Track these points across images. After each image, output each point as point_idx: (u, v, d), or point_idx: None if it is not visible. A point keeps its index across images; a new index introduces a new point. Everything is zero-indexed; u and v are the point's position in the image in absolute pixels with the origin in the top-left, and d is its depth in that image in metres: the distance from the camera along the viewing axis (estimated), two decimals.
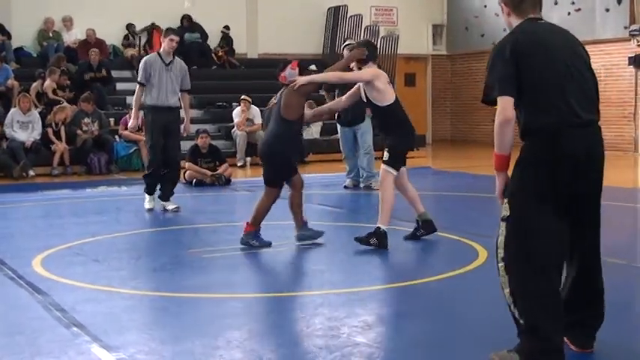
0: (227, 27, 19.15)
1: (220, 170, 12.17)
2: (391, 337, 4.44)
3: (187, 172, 12.07)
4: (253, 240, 7.05)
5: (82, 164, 14.23)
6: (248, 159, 15.55)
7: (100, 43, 17.41)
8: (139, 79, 9.20)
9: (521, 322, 3.80)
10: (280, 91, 7.18)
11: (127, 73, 18.03)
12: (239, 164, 15.26)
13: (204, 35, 18.83)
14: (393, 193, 7.05)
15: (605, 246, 7.06)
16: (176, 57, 9.40)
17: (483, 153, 18.09)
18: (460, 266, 6.17)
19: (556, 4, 18.46)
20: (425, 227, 7.30)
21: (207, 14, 18.67)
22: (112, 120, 15.47)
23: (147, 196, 9.55)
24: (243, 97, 15.81)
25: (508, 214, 3.86)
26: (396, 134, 7.11)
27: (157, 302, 5.34)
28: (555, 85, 3.73)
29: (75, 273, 6.09)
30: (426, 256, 6.92)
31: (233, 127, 15.92)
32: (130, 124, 9.04)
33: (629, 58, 17.09)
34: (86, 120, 14.49)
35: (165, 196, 9.44)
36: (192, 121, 16.23)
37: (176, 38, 9.33)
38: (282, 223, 8.44)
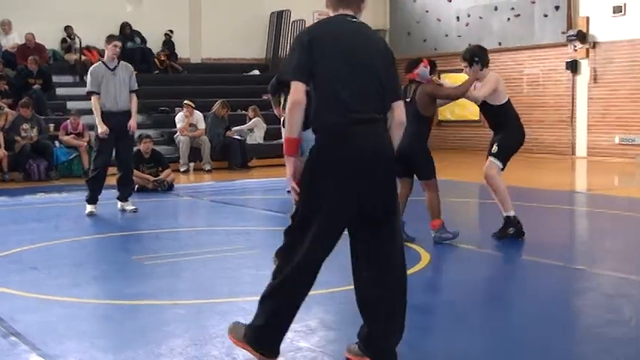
0: (171, 31, 19.01)
1: (163, 175, 12.07)
2: (334, 341, 4.44)
3: None
4: (445, 234, 7.31)
5: (20, 171, 13.96)
6: (191, 164, 15.46)
7: (39, 48, 17.13)
8: (89, 89, 9.40)
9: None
10: (405, 86, 7.28)
11: (68, 78, 17.81)
12: (182, 170, 15.16)
13: (145, 40, 18.69)
14: (502, 181, 7.40)
15: (543, 248, 7.23)
16: (121, 61, 9.60)
17: None
18: None
19: (496, 9, 18.77)
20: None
21: (149, 18, 18.52)
22: (52, 125, 15.23)
23: (87, 205, 9.63)
24: (186, 101, 15.71)
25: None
26: (508, 131, 7.41)
27: (98, 310, 5.26)
28: (339, 82, 3.74)
29: (12, 281, 5.96)
30: None
31: (176, 132, 15.80)
32: (99, 131, 9.33)
33: (567, 62, 17.46)
34: (25, 125, 14.23)
35: (124, 197, 9.78)
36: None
37: (119, 44, 9.63)
38: (228, 228, 8.40)
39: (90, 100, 9.44)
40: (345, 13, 3.94)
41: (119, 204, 9.80)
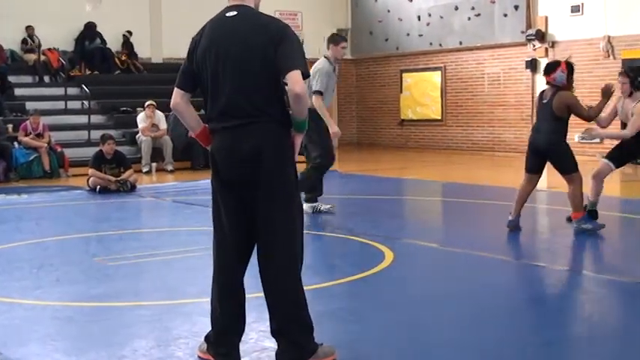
0: (129, 32, 18.86)
1: (125, 176, 11.95)
2: None
3: (91, 179, 11.82)
4: (586, 224, 7.67)
5: None
6: (153, 165, 15.34)
7: None
8: (319, 88, 8.91)
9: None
10: (543, 91, 7.83)
11: (27, 79, 17.56)
12: (144, 170, 15.04)
13: (105, 41, 18.53)
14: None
15: (502, 245, 7.31)
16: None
17: (389, 156, 18.37)
18: (366, 269, 6.24)
19: (457, 9, 18.90)
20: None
21: (109, 18, 18.33)
22: (10, 126, 15.03)
23: (316, 202, 9.17)
24: (149, 102, 15.58)
25: None
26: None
27: (60, 312, 5.20)
28: (208, 90, 3.88)
29: None
30: (333, 259, 6.97)
31: (137, 132, 15.68)
32: (332, 131, 8.89)
33: (526, 61, 17.64)
34: None
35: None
36: (96, 127, 16.00)
37: (346, 45, 9.48)
38: (191, 229, 8.37)
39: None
40: (231, 4, 3.90)
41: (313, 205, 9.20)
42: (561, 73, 7.61)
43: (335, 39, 9.39)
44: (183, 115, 4.02)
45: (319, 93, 8.88)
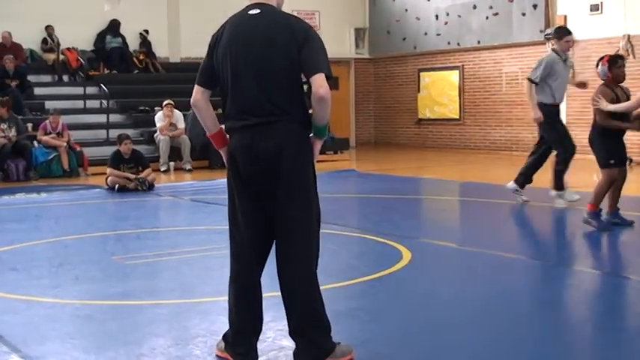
0: (146, 31, 18.93)
1: (143, 175, 11.99)
2: None
3: (109, 178, 11.88)
4: (594, 220, 7.66)
5: None
6: (171, 164, 15.39)
7: (16, 48, 16.99)
8: (534, 77, 9.36)
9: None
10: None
11: (46, 78, 17.67)
12: (162, 169, 15.09)
13: (127, 44, 18.63)
14: None
15: (523, 245, 7.27)
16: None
17: (406, 155, 18.33)
18: (384, 268, 6.24)
19: (475, 8, 18.82)
20: None
21: (127, 17, 18.41)
22: (29, 125, 15.13)
23: (558, 194, 9.42)
24: (167, 101, 15.63)
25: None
26: None
27: (79, 311, 5.23)
28: (228, 87, 3.85)
29: None
30: (350, 259, 6.97)
31: (155, 131, 15.73)
32: (535, 116, 9.43)
33: None
34: (2, 125, 14.10)
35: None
36: (114, 126, 16.08)
37: (570, 39, 9.62)
38: (209, 228, 8.39)
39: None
40: (254, 2, 3.88)
41: (562, 195, 9.44)
42: (602, 67, 7.79)
43: (559, 34, 9.67)
44: (202, 113, 3.97)
45: (530, 81, 9.31)
